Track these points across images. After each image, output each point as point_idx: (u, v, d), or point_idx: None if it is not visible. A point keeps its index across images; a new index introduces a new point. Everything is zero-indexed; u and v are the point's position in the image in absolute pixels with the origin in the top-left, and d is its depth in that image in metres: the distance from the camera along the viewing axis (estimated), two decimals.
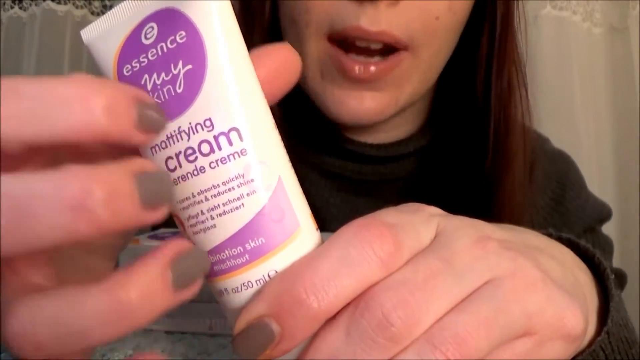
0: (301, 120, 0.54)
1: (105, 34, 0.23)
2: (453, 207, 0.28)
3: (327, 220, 0.54)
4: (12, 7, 1.30)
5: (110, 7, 1.28)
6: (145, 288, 0.18)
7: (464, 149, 0.54)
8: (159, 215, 0.19)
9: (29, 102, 0.18)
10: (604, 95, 1.22)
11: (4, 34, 1.30)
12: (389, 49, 0.45)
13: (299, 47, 0.47)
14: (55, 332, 0.18)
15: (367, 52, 0.45)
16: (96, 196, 0.17)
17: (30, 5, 1.29)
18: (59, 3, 1.26)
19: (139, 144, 0.20)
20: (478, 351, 0.20)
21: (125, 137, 0.19)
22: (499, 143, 0.52)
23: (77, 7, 1.28)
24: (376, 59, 0.46)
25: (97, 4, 1.30)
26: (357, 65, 0.45)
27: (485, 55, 0.52)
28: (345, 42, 0.45)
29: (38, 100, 0.18)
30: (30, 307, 0.18)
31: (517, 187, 0.52)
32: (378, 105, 0.47)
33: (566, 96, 1.18)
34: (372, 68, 0.45)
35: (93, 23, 0.24)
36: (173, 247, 0.19)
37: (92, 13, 1.30)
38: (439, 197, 0.51)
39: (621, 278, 0.55)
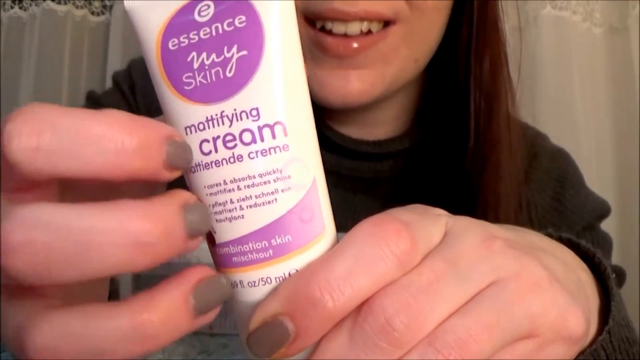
0: None
1: (152, 3, 0.22)
2: (452, 204, 0.28)
3: None
4: (12, 7, 1.30)
5: (111, 7, 1.28)
6: (168, 313, 0.19)
7: (452, 141, 0.53)
8: (197, 244, 0.20)
9: (65, 137, 0.18)
10: (604, 95, 1.22)
11: (4, 34, 1.30)
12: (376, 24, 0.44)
13: None
14: (77, 348, 0.18)
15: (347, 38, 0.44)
16: (156, 233, 0.18)
17: (30, 5, 1.29)
18: (59, 3, 1.26)
19: (163, 181, 0.20)
20: (480, 354, 0.20)
21: (153, 176, 0.19)
22: (480, 129, 0.50)
23: (77, 7, 1.28)
24: (358, 30, 0.44)
25: (97, 4, 1.30)
26: (338, 42, 0.44)
27: (465, 40, 0.51)
28: (324, 28, 0.44)
29: (74, 136, 0.18)
30: (54, 323, 0.19)
31: (504, 176, 0.50)
32: (364, 84, 0.45)
33: (566, 96, 1.17)
34: (354, 44, 0.44)
35: None
36: (196, 273, 0.20)
37: (92, 13, 1.30)
38: (437, 194, 0.51)
39: (620, 275, 0.55)
